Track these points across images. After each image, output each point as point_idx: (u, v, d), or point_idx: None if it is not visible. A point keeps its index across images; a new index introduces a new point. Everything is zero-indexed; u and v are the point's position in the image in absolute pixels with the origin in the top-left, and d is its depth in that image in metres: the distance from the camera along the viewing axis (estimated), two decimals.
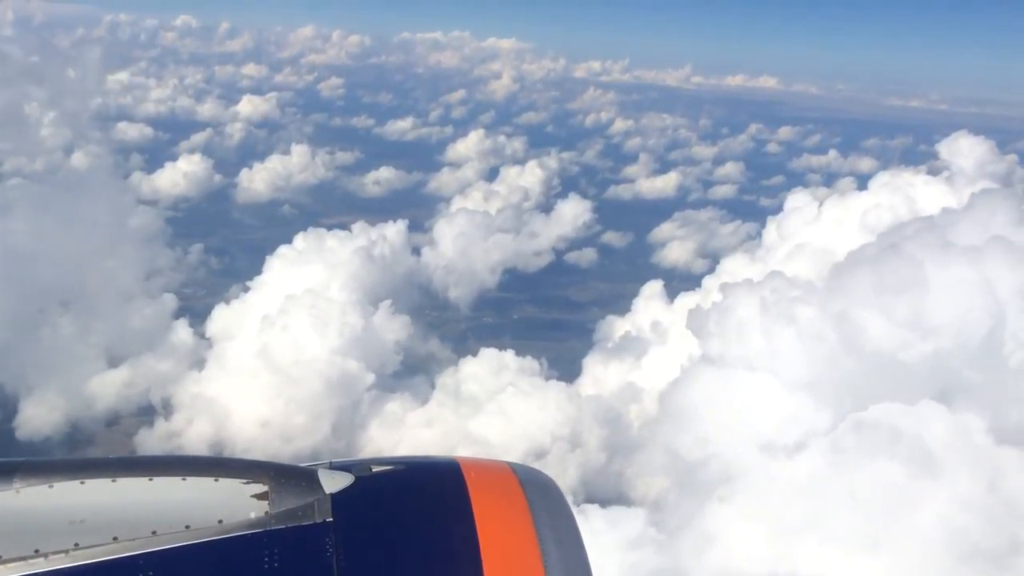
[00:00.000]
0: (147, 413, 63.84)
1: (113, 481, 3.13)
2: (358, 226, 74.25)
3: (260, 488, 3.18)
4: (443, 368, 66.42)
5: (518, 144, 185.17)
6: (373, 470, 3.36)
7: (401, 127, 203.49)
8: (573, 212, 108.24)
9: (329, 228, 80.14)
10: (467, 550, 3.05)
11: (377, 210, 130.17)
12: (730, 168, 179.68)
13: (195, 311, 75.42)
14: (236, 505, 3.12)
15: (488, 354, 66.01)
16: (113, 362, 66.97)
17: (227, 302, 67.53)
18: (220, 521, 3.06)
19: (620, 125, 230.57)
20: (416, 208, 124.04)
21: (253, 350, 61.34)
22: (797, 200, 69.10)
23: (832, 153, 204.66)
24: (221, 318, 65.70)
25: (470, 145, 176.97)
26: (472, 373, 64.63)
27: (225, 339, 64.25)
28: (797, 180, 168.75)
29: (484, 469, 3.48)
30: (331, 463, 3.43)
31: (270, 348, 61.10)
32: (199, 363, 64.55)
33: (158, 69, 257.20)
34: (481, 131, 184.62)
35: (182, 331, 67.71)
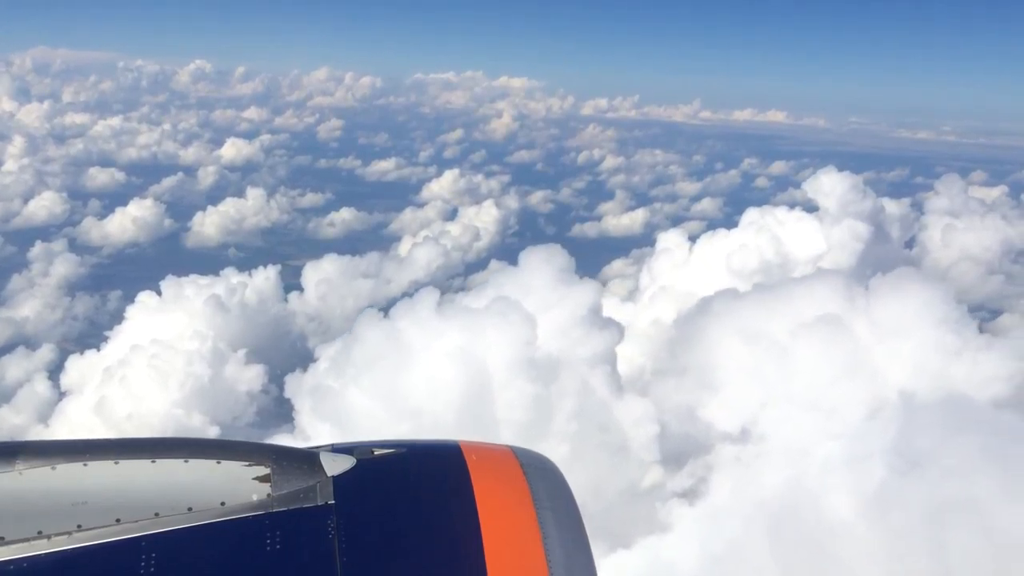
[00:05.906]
0: None
1: (116, 463, 3.07)
2: (227, 271, 72.44)
3: (262, 471, 3.12)
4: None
5: (495, 184, 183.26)
6: (375, 453, 3.32)
7: (383, 168, 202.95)
8: (427, 257, 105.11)
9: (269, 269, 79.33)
10: (468, 533, 3.01)
11: (326, 252, 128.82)
12: (707, 204, 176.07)
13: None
14: (238, 487, 3.07)
15: None
16: None
17: (81, 352, 65.84)
18: (222, 503, 3.04)
19: (610, 162, 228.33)
20: (368, 249, 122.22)
21: (93, 403, 59.42)
22: (669, 240, 65.97)
23: None
24: (75, 370, 64.04)
25: (444, 185, 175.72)
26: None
27: (75, 392, 62.52)
28: None
29: (485, 452, 3.43)
30: (332, 446, 3.37)
31: (109, 401, 59.11)
32: (48, 417, 62.86)
33: (159, 114, 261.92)
34: (456, 171, 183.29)
35: (39, 384, 66.24)
